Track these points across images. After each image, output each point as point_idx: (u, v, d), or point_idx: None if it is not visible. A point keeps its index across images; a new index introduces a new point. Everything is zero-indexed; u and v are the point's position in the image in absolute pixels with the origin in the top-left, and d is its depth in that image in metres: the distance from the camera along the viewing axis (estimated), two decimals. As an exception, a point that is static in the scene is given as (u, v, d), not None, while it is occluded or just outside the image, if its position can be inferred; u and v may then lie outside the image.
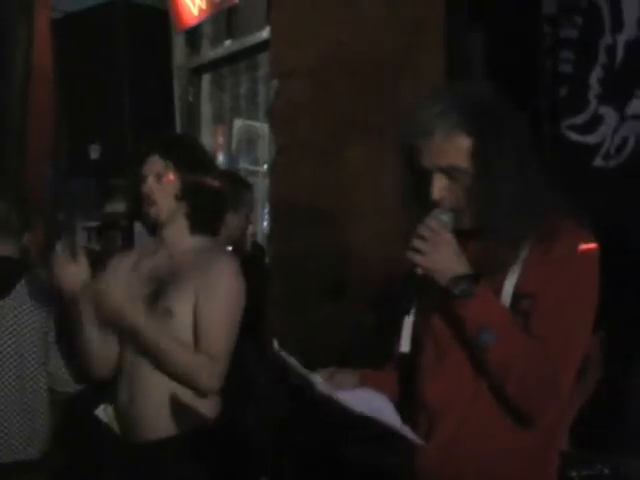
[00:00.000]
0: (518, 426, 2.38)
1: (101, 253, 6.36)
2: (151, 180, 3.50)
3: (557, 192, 2.44)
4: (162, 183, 3.49)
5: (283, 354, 2.49)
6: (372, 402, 2.46)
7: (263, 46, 7.64)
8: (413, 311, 2.53)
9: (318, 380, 2.49)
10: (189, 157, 3.55)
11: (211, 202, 3.56)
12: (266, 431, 4.76)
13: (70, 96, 5.84)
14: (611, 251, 3.47)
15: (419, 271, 2.38)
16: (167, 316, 3.40)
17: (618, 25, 3.57)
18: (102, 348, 3.53)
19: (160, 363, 3.37)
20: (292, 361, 2.50)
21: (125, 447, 3.55)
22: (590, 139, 3.61)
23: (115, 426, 3.57)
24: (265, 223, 8.73)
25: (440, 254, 2.36)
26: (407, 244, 2.40)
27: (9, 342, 3.92)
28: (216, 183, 3.57)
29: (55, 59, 6.31)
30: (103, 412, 3.58)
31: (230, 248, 4.57)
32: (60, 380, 4.07)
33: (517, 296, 2.36)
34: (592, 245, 2.39)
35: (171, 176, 3.48)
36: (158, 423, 3.42)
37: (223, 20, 9.02)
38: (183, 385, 3.39)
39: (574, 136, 3.63)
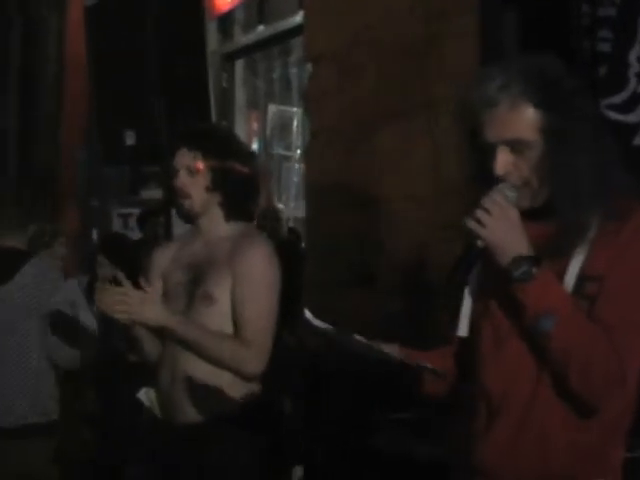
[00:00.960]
0: (581, 418, 2.27)
1: (144, 240, 6.39)
2: (182, 174, 3.52)
3: (627, 174, 2.33)
4: (193, 176, 3.51)
5: (317, 322, 2.41)
6: None
7: (295, 31, 7.64)
8: (470, 294, 2.44)
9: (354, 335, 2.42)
10: (217, 147, 3.55)
11: (243, 188, 3.56)
12: (301, 418, 4.77)
13: (105, 82, 5.85)
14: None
15: (479, 243, 2.24)
16: (207, 301, 3.43)
17: (658, 3, 3.53)
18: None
19: (204, 356, 3.41)
20: (325, 326, 2.42)
21: (166, 429, 3.57)
22: (630, 118, 3.57)
23: (156, 409, 3.59)
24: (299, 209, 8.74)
25: (504, 230, 2.22)
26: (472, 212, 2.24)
27: (12, 318, 4.37)
28: (246, 169, 3.57)
29: (89, 46, 6.31)
30: (145, 395, 3.61)
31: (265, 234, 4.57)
32: (61, 358, 4.54)
33: (582, 279, 2.23)
34: None
35: (200, 167, 3.49)
36: (199, 406, 3.43)
37: (255, 6, 9.02)
38: (226, 370, 3.42)
39: (614, 115, 3.59)
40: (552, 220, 2.28)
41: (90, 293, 5.52)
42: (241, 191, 3.55)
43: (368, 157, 5.13)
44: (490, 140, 2.29)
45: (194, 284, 3.49)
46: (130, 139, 5.60)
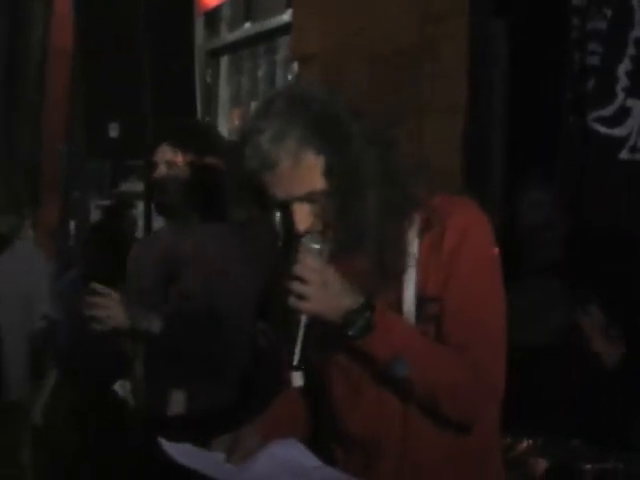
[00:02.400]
0: (458, 434, 2.18)
1: (117, 231, 6.38)
2: (162, 168, 3.54)
3: (421, 168, 2.24)
4: (172, 170, 3.51)
5: (173, 449, 2.24)
6: (292, 457, 2.21)
7: (282, 29, 7.63)
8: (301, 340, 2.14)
9: (224, 463, 2.23)
10: (198, 143, 3.56)
11: (222, 186, 3.52)
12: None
13: (90, 74, 5.82)
14: (637, 244, 3.47)
15: (305, 320, 2.04)
16: (182, 299, 3.45)
17: (648, 17, 3.55)
18: None
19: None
20: (186, 451, 2.26)
21: (141, 420, 3.60)
22: (617, 132, 3.59)
23: (131, 400, 3.61)
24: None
25: (326, 294, 2.02)
26: (284, 289, 2.04)
27: None
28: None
29: (75, 37, 6.30)
30: (121, 387, 3.63)
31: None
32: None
33: (420, 302, 2.12)
34: (482, 222, 2.17)
35: (179, 162, 3.48)
36: (172, 400, 3.46)
37: (242, 3, 9.01)
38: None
39: (601, 129, 3.61)
40: (370, 253, 2.12)
41: (83, 284, 5.54)
42: (219, 189, 3.49)
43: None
44: (279, 198, 2.10)
45: (172, 281, 3.50)
46: (114, 131, 5.58)
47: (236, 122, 9.24)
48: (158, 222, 5.16)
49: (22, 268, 4.71)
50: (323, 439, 2.34)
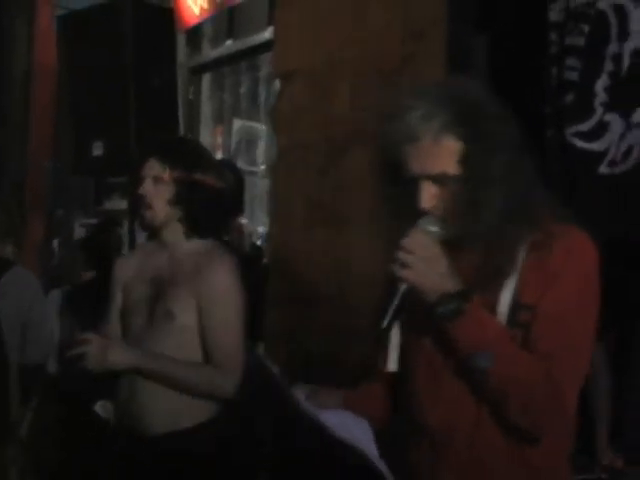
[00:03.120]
0: (523, 449, 2.26)
1: (104, 248, 6.40)
2: (148, 182, 3.50)
3: (552, 195, 2.32)
4: (158, 186, 3.49)
5: (268, 362, 2.46)
6: (354, 429, 2.39)
7: (264, 47, 7.68)
8: (399, 327, 2.38)
9: (301, 396, 2.44)
10: (186, 159, 3.52)
11: (208, 206, 3.53)
12: (266, 429, 4.77)
13: (74, 93, 5.82)
14: (616, 258, 3.50)
15: (403, 287, 2.20)
16: (167, 318, 3.43)
17: (625, 33, 3.58)
18: None
19: (177, 387, 3.42)
20: (275, 371, 2.47)
21: (123, 443, 3.56)
22: (596, 146, 3.61)
23: (112, 421, 3.59)
24: (262, 224, 8.74)
25: (427, 269, 2.16)
26: (390, 257, 2.20)
27: None
28: (216, 184, 3.55)
29: (60, 55, 6.29)
30: (102, 407, 3.61)
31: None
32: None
33: (515, 307, 2.21)
34: (590, 249, 2.25)
35: (166, 178, 3.48)
36: (155, 420, 3.43)
37: (224, 20, 9.04)
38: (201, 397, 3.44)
39: (579, 143, 3.64)
40: (480, 250, 2.24)
41: (70, 303, 5.54)
42: (206, 207, 3.52)
43: (339, 175, 5.15)
44: (414, 173, 2.25)
45: (155, 300, 3.48)
46: (97, 150, 5.58)
47: (219, 138, 9.27)
48: (142, 239, 5.18)
49: (23, 291, 4.71)
50: (398, 426, 2.47)
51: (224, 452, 3.53)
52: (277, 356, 5.31)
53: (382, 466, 2.33)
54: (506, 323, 2.21)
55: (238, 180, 4.94)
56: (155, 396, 3.41)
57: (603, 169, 3.59)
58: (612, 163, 3.58)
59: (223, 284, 3.43)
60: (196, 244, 3.54)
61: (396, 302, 2.22)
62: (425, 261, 2.17)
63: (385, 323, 2.23)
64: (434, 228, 2.22)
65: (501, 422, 2.23)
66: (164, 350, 3.43)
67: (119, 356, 3.35)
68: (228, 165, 5.06)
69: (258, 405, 4.58)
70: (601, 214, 3.56)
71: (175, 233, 3.54)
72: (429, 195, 2.23)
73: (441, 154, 2.21)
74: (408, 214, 2.26)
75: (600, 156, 3.60)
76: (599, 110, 3.62)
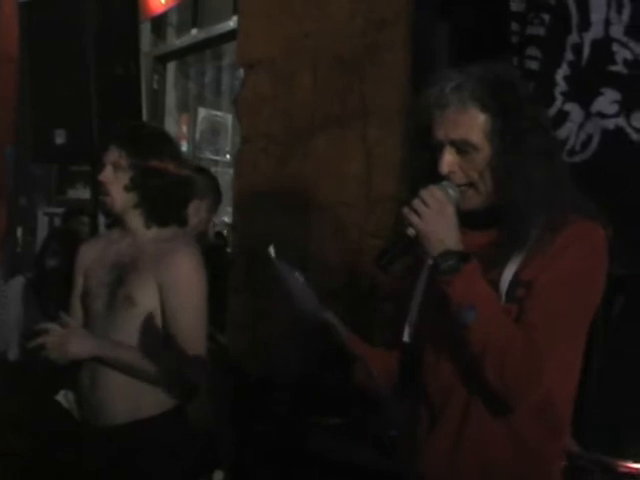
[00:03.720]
0: (513, 422, 2.35)
1: (72, 234, 6.39)
2: (108, 169, 3.50)
3: (574, 185, 2.41)
4: (117, 173, 3.48)
5: (277, 261, 2.60)
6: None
7: (229, 36, 7.65)
8: (416, 302, 2.52)
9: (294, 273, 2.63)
10: (144, 146, 3.51)
11: (167, 192, 3.52)
12: (225, 419, 4.78)
13: (36, 80, 5.78)
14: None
15: (411, 232, 2.31)
16: (127, 304, 3.42)
17: (585, 24, 3.60)
18: None
19: (140, 376, 3.40)
20: (281, 264, 2.64)
21: (85, 432, 3.56)
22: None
23: (75, 411, 3.58)
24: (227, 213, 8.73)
25: (437, 222, 2.28)
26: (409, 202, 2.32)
27: None
28: (174, 171, 3.53)
29: (21, 42, 6.25)
30: (64, 397, 3.60)
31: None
32: None
33: (514, 283, 2.31)
34: (597, 239, 2.33)
35: (124, 165, 3.47)
36: (118, 409, 3.42)
37: (189, 9, 9.01)
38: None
39: (539, 132, 3.67)
40: (492, 229, 2.37)
41: (36, 288, 5.53)
42: (162, 193, 3.51)
43: (302, 163, 5.16)
44: (438, 139, 2.37)
45: (116, 285, 3.47)
46: (60, 138, 5.54)
47: (183, 128, 9.24)
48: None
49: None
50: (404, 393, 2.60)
51: (188, 440, 3.53)
52: (239, 344, 5.33)
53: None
54: (504, 298, 2.31)
55: (212, 180, 4.94)
56: (117, 384, 3.40)
57: (563, 157, 3.62)
58: (571, 152, 3.60)
59: (185, 270, 3.43)
60: (159, 231, 3.53)
61: (400, 244, 2.35)
62: (437, 215, 2.28)
63: (385, 260, 2.35)
64: (453, 193, 2.34)
65: (487, 399, 2.33)
66: (125, 336, 3.42)
67: (79, 346, 3.34)
68: (200, 169, 5.05)
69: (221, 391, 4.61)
70: (581, 204, 3.59)
71: (135, 220, 3.54)
72: (450, 160, 2.36)
73: (466, 122, 2.33)
74: (432, 177, 2.38)
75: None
76: (559, 99, 3.64)
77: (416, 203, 2.30)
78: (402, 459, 2.62)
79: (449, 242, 2.29)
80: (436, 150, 2.39)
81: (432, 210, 2.28)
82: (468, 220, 2.38)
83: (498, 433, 2.36)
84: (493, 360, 2.24)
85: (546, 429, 2.38)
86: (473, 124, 2.33)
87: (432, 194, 2.30)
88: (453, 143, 2.36)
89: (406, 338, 2.53)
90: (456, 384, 2.39)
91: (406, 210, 2.31)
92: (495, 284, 2.31)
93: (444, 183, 2.35)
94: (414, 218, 2.30)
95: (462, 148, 2.35)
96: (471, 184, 2.36)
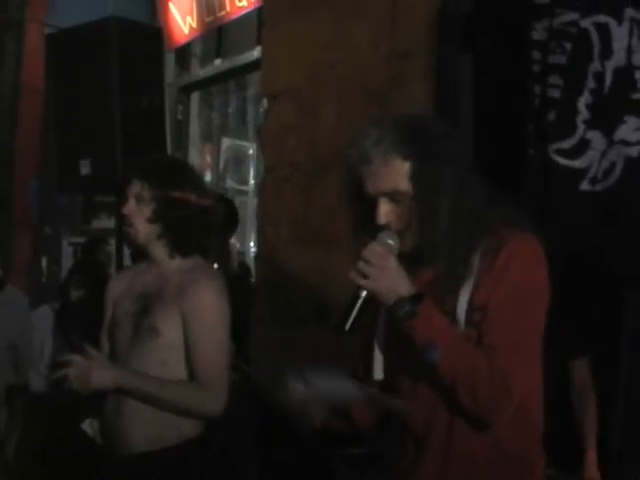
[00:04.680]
0: (497, 439, 2.46)
1: (99, 265, 6.42)
2: (131, 202, 3.53)
3: (503, 204, 2.51)
4: (139, 205, 3.51)
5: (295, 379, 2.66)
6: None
7: (253, 66, 7.70)
8: (383, 339, 2.61)
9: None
10: (165, 177, 3.54)
11: (189, 223, 3.54)
12: (250, 448, 4.77)
13: (61, 111, 5.82)
14: (596, 274, 3.52)
15: (363, 293, 2.42)
16: (152, 334, 3.44)
17: (607, 52, 3.60)
18: None
19: (163, 406, 3.42)
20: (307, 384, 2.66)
21: (109, 460, 3.56)
22: (577, 163, 3.63)
23: (99, 439, 3.60)
24: (252, 243, 8.74)
25: (384, 277, 2.40)
26: (354, 267, 2.43)
27: None
28: (197, 201, 3.55)
29: (47, 74, 6.31)
30: (89, 425, 3.62)
31: (216, 266, 4.59)
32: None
33: (469, 310, 2.42)
34: (533, 250, 2.46)
35: (147, 197, 3.50)
36: (140, 437, 3.44)
37: (213, 39, 9.07)
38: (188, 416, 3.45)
39: (561, 160, 3.66)
40: (436, 262, 2.46)
41: (61, 319, 5.56)
42: (184, 223, 3.53)
43: (326, 194, 5.16)
44: (371, 192, 2.48)
45: (141, 315, 3.49)
46: (85, 168, 5.58)
47: (207, 158, 9.28)
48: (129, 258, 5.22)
49: (14, 311, 4.73)
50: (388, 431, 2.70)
51: (208, 469, 3.53)
52: (262, 375, 5.32)
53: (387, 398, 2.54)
54: (464, 325, 2.43)
55: (230, 206, 4.95)
56: (140, 413, 3.42)
57: (584, 186, 3.61)
58: (593, 180, 3.60)
59: (207, 302, 3.44)
60: (184, 262, 3.55)
61: (357, 306, 2.44)
62: (381, 270, 2.40)
63: (347, 325, 2.44)
64: (390, 241, 2.45)
65: (471, 420, 2.43)
66: (148, 366, 3.43)
67: (101, 377, 3.36)
68: (220, 197, 5.07)
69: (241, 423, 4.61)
70: (582, 231, 3.59)
71: (160, 251, 3.56)
72: (385, 211, 2.47)
73: (391, 173, 2.45)
74: (372, 229, 2.49)
75: (582, 173, 3.62)
76: (581, 127, 3.63)
77: (360, 265, 2.41)
78: None
79: (400, 289, 2.40)
80: (370, 201, 2.49)
81: (376, 267, 2.39)
82: (412, 259, 2.49)
83: (482, 445, 2.46)
84: (464, 388, 2.37)
85: (526, 434, 2.52)
86: (398, 173, 2.45)
87: (372, 251, 2.41)
88: (384, 195, 2.46)
89: (378, 376, 2.61)
90: (437, 409, 2.49)
91: (353, 274, 2.42)
92: (452, 314, 2.43)
93: (381, 234, 2.46)
94: (361, 280, 2.41)
95: (394, 197, 2.46)
96: (408, 226, 2.46)
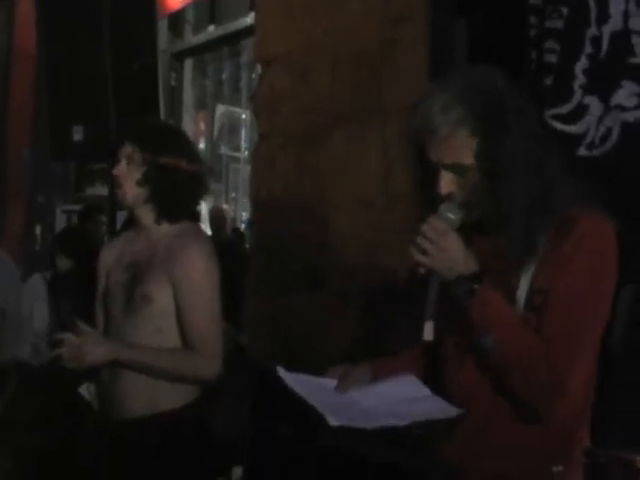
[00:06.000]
0: (535, 429, 2.36)
1: (87, 234, 6.39)
2: (122, 164, 3.54)
3: (572, 182, 2.41)
4: (129, 167, 3.52)
5: (289, 377, 2.53)
6: (399, 394, 2.52)
7: (246, 32, 7.66)
8: (433, 302, 2.48)
9: (329, 394, 2.54)
10: (156, 142, 3.55)
11: (178, 188, 3.54)
12: (242, 419, 4.78)
13: (54, 77, 5.79)
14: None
15: (421, 271, 2.33)
16: (145, 302, 3.44)
17: (604, 17, 3.57)
18: None
19: (160, 375, 3.42)
20: (300, 380, 2.55)
21: (103, 424, 3.59)
22: (574, 129, 3.61)
23: (95, 404, 3.62)
24: (244, 210, 8.72)
25: (443, 254, 2.30)
26: (414, 239, 2.33)
27: None
28: (187, 167, 3.55)
29: (39, 39, 6.27)
30: (86, 389, 3.64)
31: (209, 233, 4.59)
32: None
33: (531, 292, 2.32)
34: (603, 233, 2.34)
35: (137, 160, 3.50)
36: (136, 403, 3.45)
37: (206, 5, 9.03)
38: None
39: (559, 126, 3.63)
40: (501, 233, 2.36)
41: (53, 288, 5.55)
42: (175, 189, 3.54)
43: (319, 160, 5.15)
44: (432, 160, 2.38)
45: (133, 283, 3.50)
46: (78, 134, 5.55)
47: (201, 125, 9.25)
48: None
49: (2, 276, 4.72)
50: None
51: (203, 436, 3.54)
52: (257, 343, 5.33)
53: (447, 407, 2.44)
54: (523, 307, 2.32)
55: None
56: (135, 380, 3.43)
57: (582, 151, 3.58)
58: (591, 146, 3.57)
59: (196, 266, 3.44)
60: (172, 227, 3.55)
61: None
62: (441, 247, 2.30)
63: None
64: (451, 215, 2.35)
65: (512, 405, 2.35)
66: (143, 334, 3.44)
67: (95, 353, 3.35)
68: None
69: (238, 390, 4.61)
70: (579, 196, 3.57)
71: (147, 216, 3.56)
72: (447, 182, 2.36)
73: (456, 145, 2.33)
74: (432, 196, 2.40)
75: (579, 138, 3.60)
76: (578, 92, 3.61)
77: (420, 241, 2.32)
78: (429, 454, 2.65)
79: (458, 267, 2.31)
80: (432, 169, 2.40)
81: (435, 244, 2.30)
82: (473, 227, 2.40)
83: (518, 426, 2.37)
84: (516, 377, 2.29)
85: (570, 412, 2.38)
86: (464, 147, 2.33)
87: (432, 227, 2.32)
88: (447, 166, 2.36)
89: (428, 337, 2.50)
90: (481, 383, 2.40)
91: (413, 250, 2.33)
92: (512, 293, 2.33)
93: (442, 207, 2.36)
94: (421, 257, 2.32)
95: (456, 170, 2.36)
96: (469, 199, 2.36)
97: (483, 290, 2.29)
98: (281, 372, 2.53)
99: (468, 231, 2.37)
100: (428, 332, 2.49)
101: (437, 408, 2.45)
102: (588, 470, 2.51)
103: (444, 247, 2.30)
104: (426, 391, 2.53)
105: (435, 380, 2.57)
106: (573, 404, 2.36)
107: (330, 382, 2.58)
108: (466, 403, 2.41)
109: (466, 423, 2.42)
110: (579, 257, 2.28)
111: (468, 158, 2.33)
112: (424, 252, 2.31)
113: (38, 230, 9.98)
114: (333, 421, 2.36)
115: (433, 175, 2.39)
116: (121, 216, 5.25)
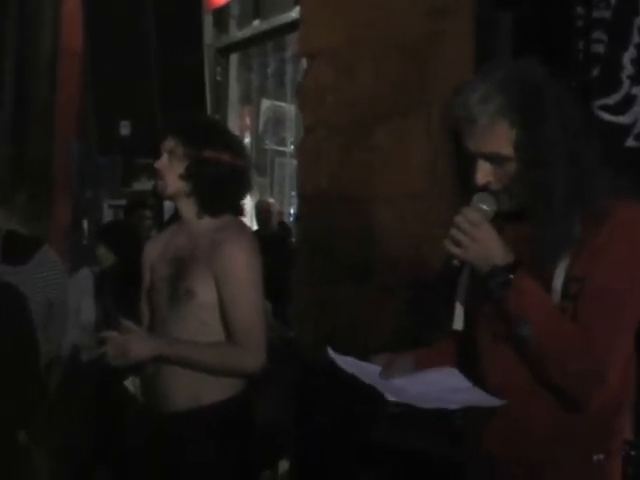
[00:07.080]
0: (574, 418, 2.36)
1: (130, 228, 6.44)
2: (164, 157, 3.57)
3: (610, 172, 2.39)
4: (172, 160, 3.54)
5: (339, 359, 2.54)
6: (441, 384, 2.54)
7: (291, 26, 7.66)
8: (463, 289, 2.52)
9: (377, 377, 2.54)
10: (199, 136, 3.57)
11: (220, 182, 3.55)
12: (287, 412, 4.79)
13: (101, 73, 5.85)
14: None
15: (455, 262, 2.36)
16: (189, 296, 3.47)
17: (652, 6, 3.55)
18: None
19: (205, 369, 3.45)
20: (349, 362, 2.56)
21: (148, 417, 3.65)
22: (622, 119, 3.58)
23: (140, 397, 3.65)
24: (291, 204, 8.74)
25: (477, 246, 2.32)
26: (447, 230, 2.36)
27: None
28: (229, 161, 3.57)
29: (85, 37, 6.33)
30: (131, 383, 3.67)
31: (255, 227, 4.61)
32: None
33: (567, 280, 2.31)
34: (637, 217, 2.33)
35: (180, 154, 3.53)
36: (180, 396, 3.48)
37: (251, 0, 9.04)
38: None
39: (606, 116, 3.61)
40: (537, 222, 2.36)
41: (101, 283, 5.61)
42: (216, 183, 3.54)
43: (364, 154, 5.14)
44: (471, 151, 2.38)
45: (177, 278, 3.53)
46: (125, 129, 5.60)
47: (247, 119, 9.26)
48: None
49: (51, 269, 4.78)
50: None
51: (247, 428, 3.55)
52: (303, 337, 5.33)
53: (487, 397, 2.44)
54: (560, 296, 2.32)
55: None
56: (179, 374, 3.46)
57: (630, 142, 3.56)
58: (638, 137, 3.55)
59: (238, 261, 3.45)
60: (213, 221, 3.57)
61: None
62: (475, 238, 2.31)
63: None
64: (485, 206, 2.36)
65: (551, 394, 2.34)
66: (188, 328, 3.47)
67: (138, 351, 3.39)
68: None
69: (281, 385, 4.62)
70: (627, 188, 3.54)
71: (188, 209, 3.59)
72: (483, 172, 2.37)
73: (495, 136, 2.34)
74: (469, 186, 2.41)
75: (627, 129, 3.57)
76: (626, 83, 3.58)
77: (454, 233, 2.33)
78: (467, 443, 2.66)
79: (493, 259, 2.33)
80: (470, 158, 2.40)
81: (470, 236, 2.32)
82: (508, 215, 2.41)
83: (556, 414, 2.36)
84: (554, 368, 2.30)
85: (609, 400, 2.37)
86: (502, 138, 2.34)
87: (466, 219, 2.33)
88: (484, 156, 2.37)
89: (458, 326, 2.54)
90: (516, 374, 2.39)
91: (447, 242, 2.35)
92: (548, 282, 2.33)
93: (476, 198, 2.37)
94: (455, 249, 2.34)
95: (494, 160, 2.36)
96: (506, 189, 2.37)
97: (518, 280, 2.30)
98: (331, 353, 2.54)
99: (500, 221, 2.38)
100: (458, 321, 2.53)
101: (480, 398, 2.44)
102: (629, 460, 2.50)
103: (478, 238, 2.32)
104: (467, 383, 2.54)
105: (469, 371, 2.58)
106: (611, 392, 2.35)
107: (375, 368, 2.60)
108: (504, 394, 2.40)
109: (504, 413, 2.41)
110: (615, 245, 2.29)
111: (507, 148, 2.34)
112: (458, 244, 2.33)
113: (85, 225, 10.06)
114: (390, 397, 2.38)
115: (470, 165, 2.40)
116: (168, 210, 5.28)
